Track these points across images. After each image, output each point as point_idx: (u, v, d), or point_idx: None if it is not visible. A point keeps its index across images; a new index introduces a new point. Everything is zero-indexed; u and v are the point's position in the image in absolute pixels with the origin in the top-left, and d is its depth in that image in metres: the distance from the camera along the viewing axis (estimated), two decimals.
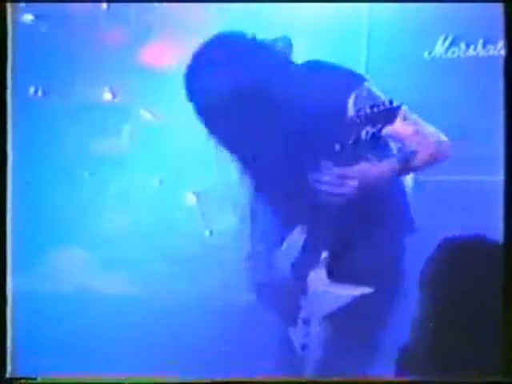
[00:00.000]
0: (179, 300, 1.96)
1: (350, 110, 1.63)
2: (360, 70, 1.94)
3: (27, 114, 1.95)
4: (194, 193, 2.02)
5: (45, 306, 1.96)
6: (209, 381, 1.79)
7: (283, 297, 1.70)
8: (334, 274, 1.64)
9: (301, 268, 1.66)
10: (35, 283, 1.95)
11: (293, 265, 1.68)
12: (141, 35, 1.99)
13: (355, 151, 1.53)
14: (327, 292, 1.65)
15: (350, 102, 1.63)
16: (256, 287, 1.75)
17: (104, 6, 1.97)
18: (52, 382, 1.86)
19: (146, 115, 2.00)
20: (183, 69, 1.95)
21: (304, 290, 1.66)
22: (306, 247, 1.66)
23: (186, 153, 2.01)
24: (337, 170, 1.54)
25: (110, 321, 1.94)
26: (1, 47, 1.85)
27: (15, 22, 1.86)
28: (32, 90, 1.96)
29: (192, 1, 1.94)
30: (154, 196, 2.02)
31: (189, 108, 1.94)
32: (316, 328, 1.66)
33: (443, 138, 1.66)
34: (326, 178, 1.56)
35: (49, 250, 2.00)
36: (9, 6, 1.87)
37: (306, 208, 1.64)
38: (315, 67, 1.71)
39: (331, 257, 1.64)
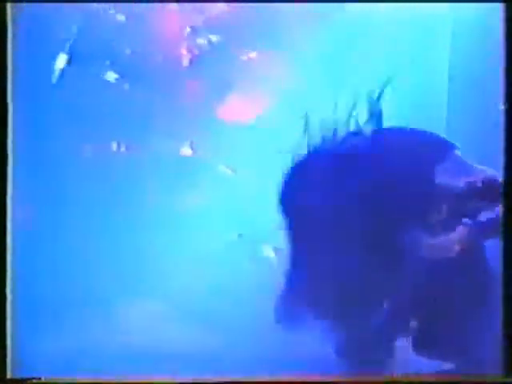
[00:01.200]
0: (256, 353, 1.95)
1: (440, 181, 1.60)
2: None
3: (110, 168, 2.00)
4: (272, 247, 2.02)
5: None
6: (209, 381, 1.78)
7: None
8: (419, 345, 1.62)
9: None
10: (107, 335, 1.96)
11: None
12: (220, 90, 2.02)
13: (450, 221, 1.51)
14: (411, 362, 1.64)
15: (439, 171, 1.61)
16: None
17: (185, 61, 2.01)
18: (53, 382, 1.86)
19: (225, 170, 2.01)
20: (262, 124, 1.98)
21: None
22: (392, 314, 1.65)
23: (265, 207, 2.01)
24: (431, 240, 1.53)
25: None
26: (1, 47, 1.90)
27: (15, 21, 1.91)
28: (115, 145, 2.00)
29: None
30: (233, 249, 2.02)
31: (267, 163, 1.96)
32: None
33: None
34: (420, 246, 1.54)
35: (125, 301, 2.01)
36: (9, 6, 1.92)
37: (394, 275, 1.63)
38: (399, 133, 1.70)
39: (419, 327, 1.62)
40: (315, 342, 1.84)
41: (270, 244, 2.01)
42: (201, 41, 2.02)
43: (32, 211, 1.98)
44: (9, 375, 1.90)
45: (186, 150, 2.01)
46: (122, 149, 2.00)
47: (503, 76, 1.96)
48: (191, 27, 2.02)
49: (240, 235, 2.01)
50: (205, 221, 2.02)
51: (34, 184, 1.98)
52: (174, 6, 2.01)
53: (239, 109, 2.02)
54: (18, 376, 1.90)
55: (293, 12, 2.02)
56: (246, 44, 2.02)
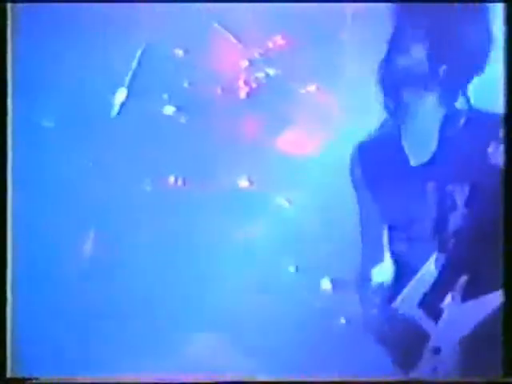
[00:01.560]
0: None
1: None
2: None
3: (168, 201, 2.01)
4: (329, 278, 2.01)
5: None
6: (213, 381, 1.79)
7: (406, 332, 1.82)
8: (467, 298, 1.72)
9: (433, 296, 1.77)
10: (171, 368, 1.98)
11: (425, 294, 1.82)
12: (278, 123, 2.02)
13: None
14: (460, 317, 1.70)
15: None
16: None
17: (242, 94, 2.02)
18: (53, 382, 1.87)
19: (283, 202, 2.02)
20: (320, 157, 1.98)
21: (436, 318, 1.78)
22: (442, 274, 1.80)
23: (323, 240, 2.02)
24: None
25: None
26: (1, 47, 1.91)
27: (15, 21, 1.92)
28: (172, 178, 2.01)
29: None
30: (290, 282, 2.02)
31: (325, 196, 1.96)
32: (447, 356, 1.72)
33: None
34: None
35: (186, 333, 2.02)
36: (9, 6, 1.93)
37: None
38: None
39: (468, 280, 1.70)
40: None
41: (328, 276, 2.01)
42: (258, 74, 2.02)
43: (94, 242, 2.00)
44: (9, 375, 1.92)
45: (244, 183, 2.01)
46: (180, 182, 2.01)
47: (503, 76, 1.96)
48: (249, 60, 2.02)
49: (297, 267, 2.01)
50: (262, 252, 2.02)
51: (95, 216, 2.00)
52: (231, 39, 2.02)
53: (297, 142, 2.02)
54: (18, 376, 1.92)
55: (351, 45, 2.02)
56: (305, 77, 2.02)
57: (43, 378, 1.93)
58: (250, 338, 2.01)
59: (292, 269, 2.02)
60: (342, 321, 2.01)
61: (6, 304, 1.94)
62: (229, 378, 1.96)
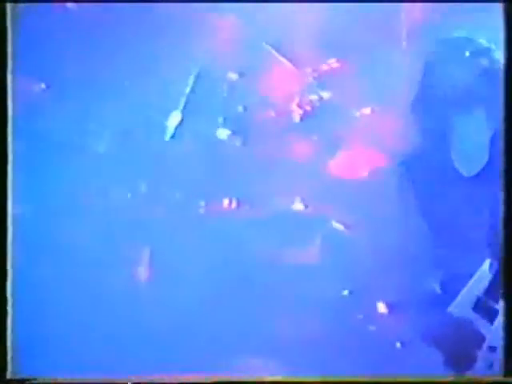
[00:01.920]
0: None
1: None
2: None
3: (221, 225, 2.01)
4: (385, 303, 2.00)
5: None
6: (209, 381, 1.77)
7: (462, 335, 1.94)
8: None
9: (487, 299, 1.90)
10: None
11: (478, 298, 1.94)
12: (332, 146, 2.02)
13: None
14: None
15: None
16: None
17: (296, 117, 2.02)
18: (53, 382, 1.85)
19: (337, 226, 2.01)
20: (374, 180, 1.98)
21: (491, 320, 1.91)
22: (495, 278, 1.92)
23: (377, 263, 2.00)
24: None
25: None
26: (1, 47, 1.91)
27: (15, 21, 1.92)
28: (226, 201, 2.01)
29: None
30: (343, 306, 2.01)
31: (379, 220, 1.95)
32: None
33: None
34: None
35: (235, 358, 2.00)
36: (9, 6, 1.93)
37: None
38: None
39: None
40: None
41: (383, 300, 1.99)
42: (312, 97, 2.03)
43: (148, 263, 2.00)
44: (9, 375, 1.91)
45: (298, 205, 2.01)
46: (234, 205, 2.01)
47: (503, 75, 1.96)
48: (303, 84, 2.03)
49: (351, 291, 2.00)
50: (316, 276, 2.01)
51: (149, 239, 2.00)
52: (286, 62, 2.03)
53: (351, 165, 2.02)
54: (18, 376, 1.91)
55: (405, 67, 2.02)
56: (359, 100, 2.02)
57: (43, 379, 1.93)
58: (302, 362, 1.99)
59: (346, 292, 2.00)
60: (398, 345, 1.99)
61: (7, 305, 1.94)
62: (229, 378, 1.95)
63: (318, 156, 2.02)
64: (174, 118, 2.02)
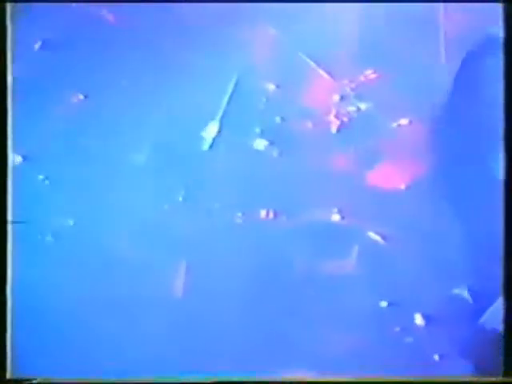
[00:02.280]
0: None
1: None
2: None
3: (258, 235, 2.01)
4: (422, 314, 1.99)
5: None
6: (209, 381, 1.76)
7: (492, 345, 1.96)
8: None
9: None
10: None
11: None
12: (370, 157, 2.02)
13: None
14: None
15: None
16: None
17: (334, 128, 2.02)
18: (53, 382, 1.85)
19: (374, 237, 2.00)
20: (412, 191, 1.97)
21: None
22: None
23: (415, 275, 2.00)
24: None
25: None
26: (1, 47, 1.91)
27: (15, 21, 1.92)
28: (264, 212, 2.01)
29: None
30: (381, 318, 2.00)
31: (417, 231, 1.95)
32: None
33: None
34: None
35: (271, 371, 2.00)
36: (9, 6, 1.93)
37: None
38: None
39: None
40: None
41: (421, 312, 1.99)
42: (350, 108, 2.02)
43: (185, 274, 2.00)
44: (9, 375, 1.91)
45: (335, 217, 2.01)
46: (271, 215, 2.01)
47: (503, 75, 1.94)
48: (340, 95, 2.03)
49: (390, 303, 1.99)
50: (353, 287, 2.01)
51: (186, 249, 2.00)
52: (323, 73, 2.03)
53: (388, 176, 2.01)
54: (18, 376, 1.91)
55: (443, 78, 2.02)
56: (396, 111, 2.02)
57: (43, 379, 1.93)
58: (338, 374, 1.98)
59: (384, 304, 1.99)
60: (436, 357, 1.98)
61: (7, 305, 1.94)
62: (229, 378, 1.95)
63: (355, 167, 2.02)
64: (212, 129, 2.03)
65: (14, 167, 2.01)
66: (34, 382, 1.91)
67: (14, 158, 2.02)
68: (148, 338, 1.98)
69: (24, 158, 2.02)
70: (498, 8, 2.02)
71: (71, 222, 2.00)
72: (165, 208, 2.01)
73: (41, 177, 2.01)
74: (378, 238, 2.00)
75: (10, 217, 1.99)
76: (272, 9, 2.03)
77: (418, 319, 1.99)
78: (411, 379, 1.97)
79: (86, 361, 1.97)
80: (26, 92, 2.03)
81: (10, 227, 1.99)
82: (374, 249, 2.01)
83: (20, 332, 1.96)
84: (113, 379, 1.95)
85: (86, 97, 2.03)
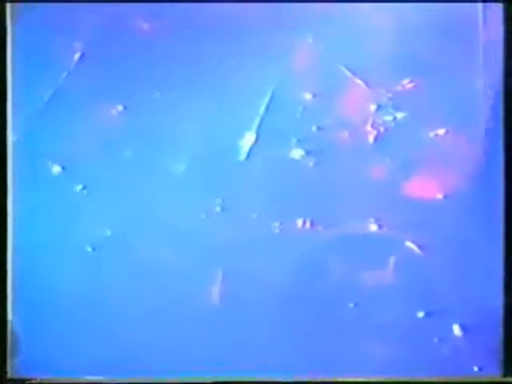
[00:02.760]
0: None
1: None
2: None
3: (295, 245, 2.01)
4: (460, 325, 1.98)
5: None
6: (209, 381, 1.75)
7: None
8: None
9: None
10: None
11: None
12: (406, 167, 2.01)
13: None
14: None
15: None
16: None
17: (370, 138, 2.02)
18: (53, 382, 1.85)
19: (412, 247, 1.99)
20: (450, 201, 1.96)
21: None
22: None
23: (453, 285, 1.99)
24: None
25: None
26: (1, 47, 1.92)
27: (15, 22, 1.93)
28: (300, 221, 2.01)
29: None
30: (419, 328, 1.99)
31: (454, 241, 1.94)
32: None
33: None
34: None
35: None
36: (8, 5, 1.94)
37: None
38: None
39: None
40: None
41: (459, 322, 1.97)
42: (387, 118, 2.02)
43: (222, 283, 2.01)
44: (9, 375, 1.92)
45: (373, 226, 2.00)
46: (308, 225, 2.01)
47: (502, 75, 1.92)
48: (377, 104, 2.03)
49: (427, 314, 1.98)
50: (390, 297, 2.00)
51: (223, 259, 2.01)
52: (360, 83, 2.03)
53: (425, 186, 2.01)
54: (18, 376, 1.92)
55: (478, 87, 2.01)
56: (433, 121, 2.01)
57: (43, 379, 1.94)
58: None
59: (421, 314, 1.98)
60: (475, 368, 1.96)
61: (7, 305, 1.95)
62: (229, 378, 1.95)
63: (392, 177, 2.02)
64: (248, 139, 2.03)
65: (53, 177, 2.04)
66: (34, 381, 1.92)
67: (53, 168, 2.04)
68: (184, 344, 1.99)
69: (63, 168, 2.04)
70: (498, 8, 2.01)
71: (109, 232, 2.02)
72: (202, 217, 2.02)
73: (79, 187, 2.03)
74: (415, 248, 2.00)
75: (49, 227, 2.01)
76: (310, 18, 2.03)
77: (456, 330, 1.98)
78: None
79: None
80: (66, 104, 2.05)
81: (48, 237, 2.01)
82: (412, 259, 2.00)
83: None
84: (117, 379, 1.96)
85: (125, 108, 2.05)
